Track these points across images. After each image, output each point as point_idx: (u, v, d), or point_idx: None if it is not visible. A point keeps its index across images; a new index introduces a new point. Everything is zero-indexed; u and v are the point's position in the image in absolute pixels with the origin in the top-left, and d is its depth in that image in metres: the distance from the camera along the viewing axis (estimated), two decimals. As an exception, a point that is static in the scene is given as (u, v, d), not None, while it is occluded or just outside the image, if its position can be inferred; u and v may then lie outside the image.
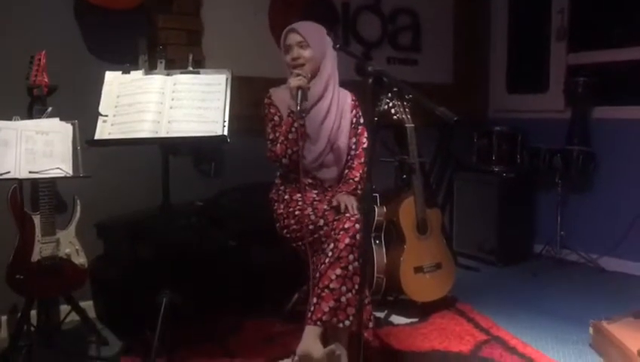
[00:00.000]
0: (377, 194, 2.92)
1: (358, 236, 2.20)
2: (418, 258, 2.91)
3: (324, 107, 2.52)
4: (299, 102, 2.35)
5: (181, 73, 2.24)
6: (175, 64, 2.85)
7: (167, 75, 2.22)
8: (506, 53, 4.52)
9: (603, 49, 3.92)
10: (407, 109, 2.93)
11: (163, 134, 2.09)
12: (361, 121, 2.65)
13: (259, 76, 3.15)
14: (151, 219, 2.66)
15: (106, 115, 2.12)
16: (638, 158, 3.66)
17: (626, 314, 2.53)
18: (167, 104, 2.15)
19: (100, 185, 2.55)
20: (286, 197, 2.52)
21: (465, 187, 4.12)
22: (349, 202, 2.33)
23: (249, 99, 2.91)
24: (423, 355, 2.45)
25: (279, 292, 2.75)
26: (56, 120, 2.06)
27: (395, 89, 2.80)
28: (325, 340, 2.18)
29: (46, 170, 1.97)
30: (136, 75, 2.22)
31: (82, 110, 2.11)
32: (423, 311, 2.89)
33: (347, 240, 2.19)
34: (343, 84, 2.64)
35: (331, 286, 2.16)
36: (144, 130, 2.08)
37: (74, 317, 2.54)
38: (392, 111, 2.92)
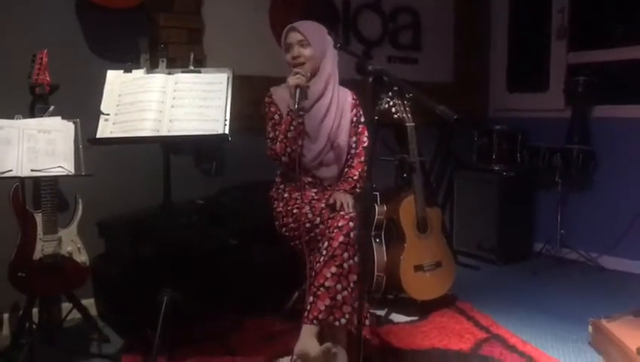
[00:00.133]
0: (378, 193, 2.92)
1: (352, 234, 2.19)
2: (418, 256, 2.92)
3: (324, 106, 2.53)
4: (297, 100, 2.35)
5: (182, 72, 2.24)
6: (176, 63, 2.87)
7: (169, 73, 2.23)
8: (506, 52, 4.52)
9: (603, 48, 3.92)
10: (407, 108, 2.94)
11: (164, 133, 2.10)
12: (362, 119, 2.66)
13: (260, 75, 3.16)
14: (152, 218, 2.66)
15: (108, 114, 2.12)
16: (638, 157, 3.66)
17: (625, 313, 2.53)
18: (169, 103, 2.15)
19: (102, 184, 2.55)
20: (285, 195, 2.53)
21: (465, 186, 4.12)
22: (345, 200, 2.33)
23: (250, 98, 2.91)
24: (423, 353, 2.46)
25: (280, 290, 2.75)
26: (58, 118, 2.07)
27: (395, 88, 2.79)
28: (322, 338, 2.17)
29: (48, 169, 1.98)
30: (138, 73, 2.23)
31: (84, 109, 2.11)
32: (423, 309, 2.89)
33: (341, 238, 2.19)
34: (344, 82, 2.64)
35: (326, 284, 2.15)
36: (145, 128, 2.09)
37: (75, 314, 2.55)
38: (393, 110, 2.92)
